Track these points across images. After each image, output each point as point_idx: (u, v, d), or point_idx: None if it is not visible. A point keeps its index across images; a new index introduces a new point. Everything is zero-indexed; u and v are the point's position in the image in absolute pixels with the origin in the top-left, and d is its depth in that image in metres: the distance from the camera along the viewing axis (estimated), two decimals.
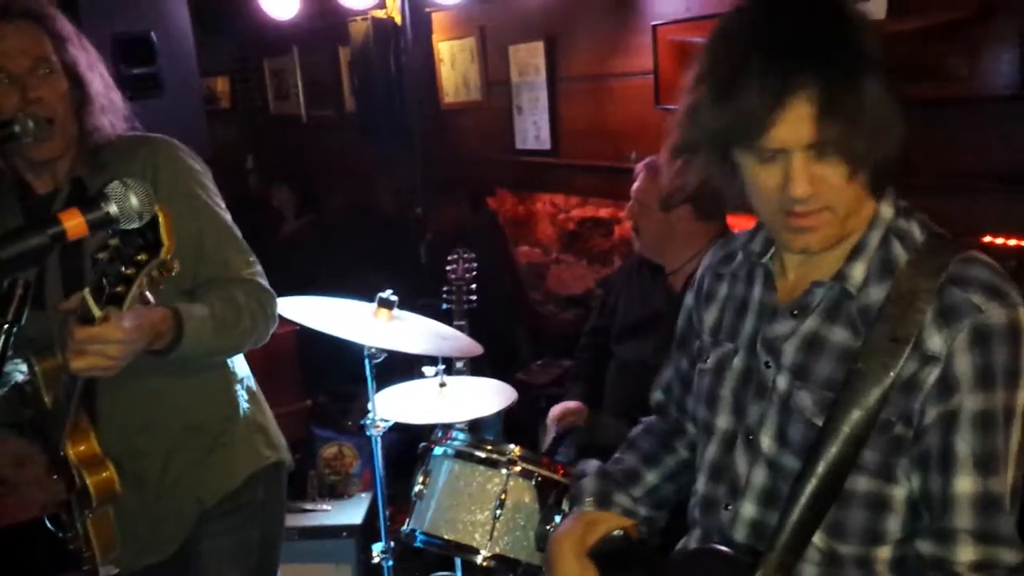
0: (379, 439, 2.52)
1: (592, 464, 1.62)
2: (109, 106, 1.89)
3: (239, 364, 2.10)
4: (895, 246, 1.26)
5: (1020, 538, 1.20)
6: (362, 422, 2.50)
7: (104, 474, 1.88)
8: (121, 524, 1.98)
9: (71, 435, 1.85)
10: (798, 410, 1.28)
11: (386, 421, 2.52)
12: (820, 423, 1.24)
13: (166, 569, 2.06)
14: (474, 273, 3.20)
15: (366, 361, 2.42)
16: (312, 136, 6.36)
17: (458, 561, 2.72)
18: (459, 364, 3.04)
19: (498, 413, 3.27)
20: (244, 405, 2.07)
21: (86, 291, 1.51)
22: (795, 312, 1.31)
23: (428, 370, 2.68)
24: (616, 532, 1.47)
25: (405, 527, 2.15)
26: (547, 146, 4.36)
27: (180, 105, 3.66)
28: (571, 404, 2.97)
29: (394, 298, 2.48)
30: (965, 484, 1.18)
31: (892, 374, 1.19)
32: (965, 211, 2.63)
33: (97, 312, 1.50)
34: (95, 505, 1.89)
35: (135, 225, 1.50)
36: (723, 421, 1.39)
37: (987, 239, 2.77)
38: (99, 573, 1.98)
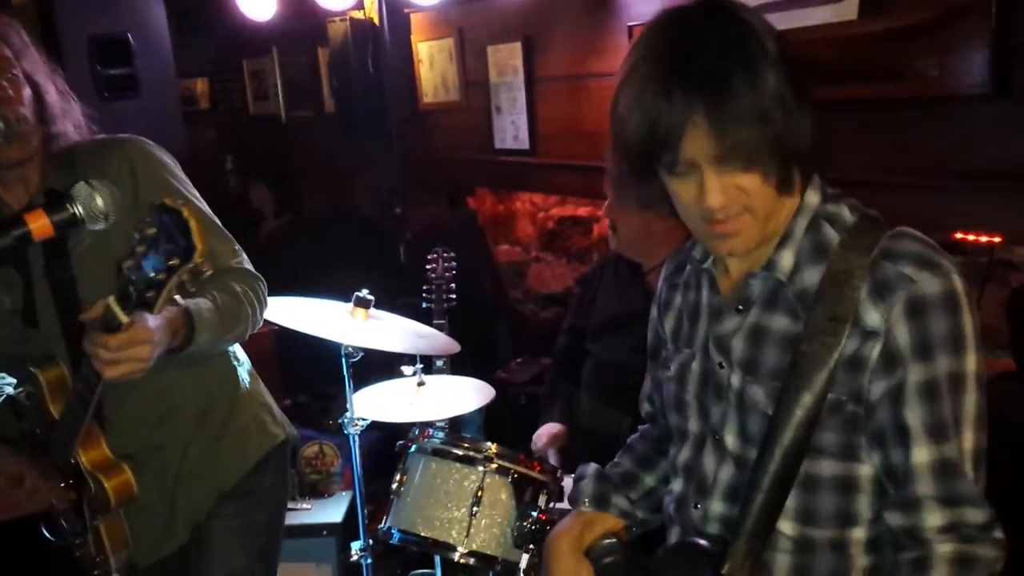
0: (357, 437, 2.53)
1: (591, 467, 1.65)
2: (67, 112, 1.90)
3: (237, 347, 2.14)
4: (825, 229, 1.29)
5: (990, 499, 1.24)
6: (339, 421, 2.50)
7: (121, 477, 1.92)
8: (138, 519, 2.01)
9: (82, 443, 1.87)
10: (752, 405, 1.31)
11: (364, 420, 2.53)
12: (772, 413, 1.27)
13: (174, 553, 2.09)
14: (454, 272, 3.21)
15: (343, 360, 2.43)
16: (292, 136, 6.35)
17: (437, 559, 2.73)
18: (439, 363, 3.05)
19: (479, 411, 3.29)
20: (247, 386, 2.12)
21: (111, 299, 1.54)
22: (739, 307, 1.34)
23: (406, 369, 2.69)
24: (608, 540, 1.49)
25: (382, 524, 2.16)
26: (526, 146, 4.37)
27: (157, 106, 3.66)
28: (553, 428, 2.96)
29: (370, 297, 2.49)
30: (921, 454, 1.21)
31: (835, 353, 1.22)
32: (936, 208, 2.67)
33: (124, 318, 1.53)
34: (113, 508, 1.91)
35: (100, 226, 1.51)
36: (693, 425, 1.42)
37: (958, 236, 2.82)
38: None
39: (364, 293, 2.47)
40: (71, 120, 1.90)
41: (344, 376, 2.45)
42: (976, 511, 1.22)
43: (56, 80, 1.91)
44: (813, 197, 1.31)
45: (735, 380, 1.33)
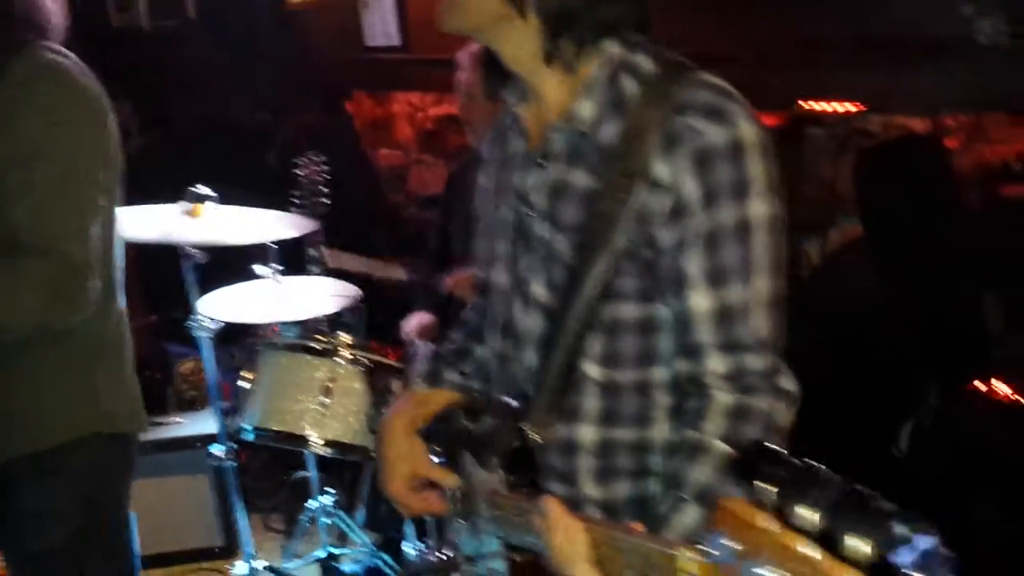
0: (209, 340, 2.42)
1: (424, 346, 1.62)
2: (29, 16, 1.75)
3: (106, 329, 1.97)
4: (625, 81, 1.24)
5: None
6: (187, 323, 2.39)
7: None
8: None
9: None
10: (557, 255, 1.28)
11: (213, 321, 2.41)
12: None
13: None
14: (325, 176, 3.10)
15: (185, 263, 2.29)
16: (157, 47, 6.02)
17: (310, 459, 2.68)
18: (312, 267, 2.97)
19: (359, 312, 3.22)
20: (86, 370, 1.92)
21: None
22: (539, 161, 1.30)
23: (260, 270, 2.57)
24: (440, 414, 1.46)
25: (234, 423, 2.11)
26: (396, 41, 4.22)
27: None
28: (424, 319, 2.92)
29: (205, 191, 2.34)
30: (700, 300, 1.20)
31: (629, 208, 1.19)
32: (796, 80, 2.69)
33: None
34: None
35: None
36: (502, 277, 1.39)
37: (817, 107, 2.85)
38: None
39: (199, 189, 2.32)
40: (38, 22, 1.77)
41: (190, 280, 2.32)
42: (757, 357, 1.20)
43: None
44: (613, 47, 1.26)
45: (542, 230, 1.30)
